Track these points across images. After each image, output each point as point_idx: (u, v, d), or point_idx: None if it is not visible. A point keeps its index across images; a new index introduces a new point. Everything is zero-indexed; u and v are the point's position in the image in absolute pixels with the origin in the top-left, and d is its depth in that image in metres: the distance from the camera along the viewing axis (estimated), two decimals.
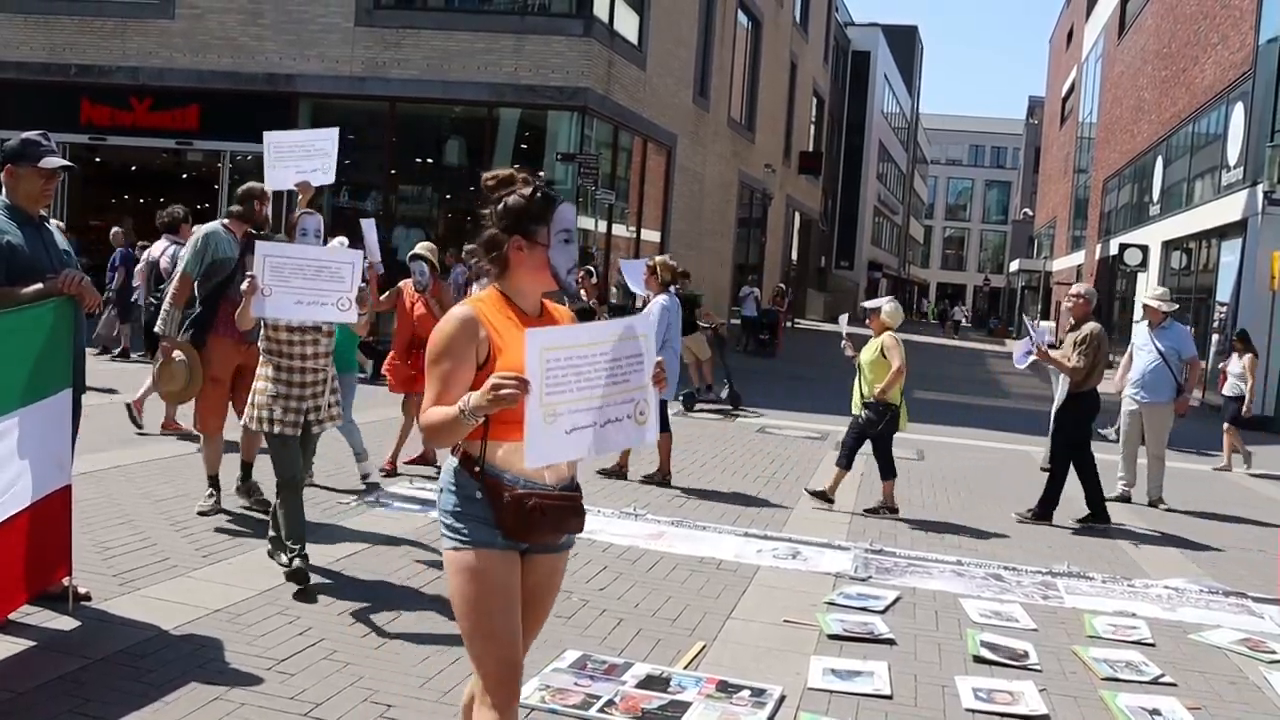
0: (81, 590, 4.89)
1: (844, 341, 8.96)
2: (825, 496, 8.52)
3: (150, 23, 20.59)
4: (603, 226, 21.68)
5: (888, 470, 8.47)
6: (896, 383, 8.28)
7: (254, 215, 6.63)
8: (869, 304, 8.83)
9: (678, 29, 24.47)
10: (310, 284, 5.26)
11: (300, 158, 6.77)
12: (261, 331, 5.49)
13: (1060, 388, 8.85)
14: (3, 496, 4.18)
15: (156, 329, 6.33)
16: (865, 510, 8.45)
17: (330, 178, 6.90)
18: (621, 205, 22.50)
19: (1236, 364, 13.03)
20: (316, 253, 5.44)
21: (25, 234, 4.55)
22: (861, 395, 8.48)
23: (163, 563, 5.62)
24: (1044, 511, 8.67)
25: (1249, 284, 18.93)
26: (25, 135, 4.63)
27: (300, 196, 6.79)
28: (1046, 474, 8.93)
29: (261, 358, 5.48)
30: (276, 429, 5.41)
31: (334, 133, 6.83)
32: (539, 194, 3.06)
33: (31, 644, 4.38)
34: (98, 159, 21.14)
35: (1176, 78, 26.49)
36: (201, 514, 6.52)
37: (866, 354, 8.49)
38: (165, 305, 6.41)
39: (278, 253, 5.32)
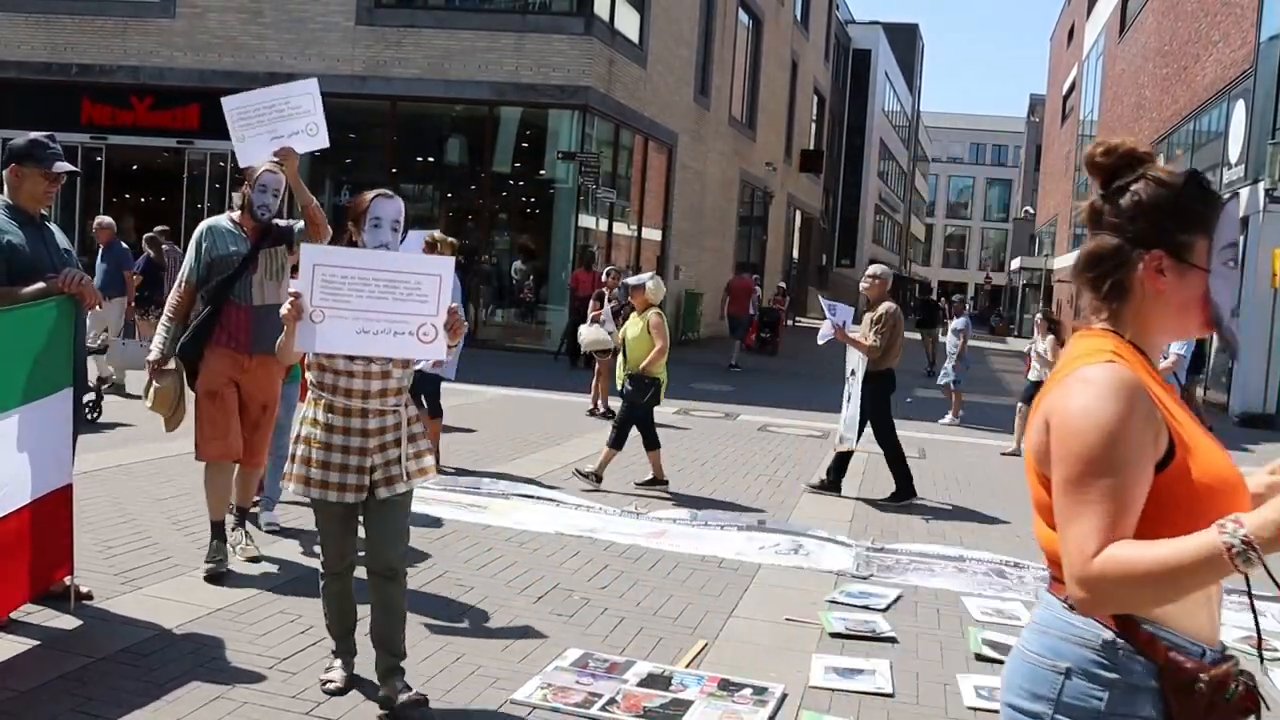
0: (83, 589, 4.89)
1: (608, 319, 9.04)
2: (596, 476, 8.45)
3: (151, 22, 20.61)
4: (604, 225, 21.68)
5: (619, 441, 8.48)
6: (659, 362, 8.39)
7: (253, 208, 5.58)
8: (631, 280, 8.81)
9: (678, 28, 24.47)
10: (379, 305, 3.74)
11: (275, 120, 5.36)
12: (308, 356, 4.05)
13: (858, 367, 8.91)
14: (1, 494, 4.19)
15: (151, 347, 5.56)
16: (637, 484, 8.48)
17: (323, 139, 5.43)
18: (623, 204, 22.51)
19: (1042, 345, 12.41)
20: (386, 261, 3.81)
21: (26, 234, 4.56)
22: (625, 370, 8.55)
23: (164, 561, 5.62)
24: (905, 491, 8.83)
25: (1250, 281, 18.91)
26: (32, 136, 4.64)
27: (284, 165, 5.45)
28: (847, 454, 9.06)
29: (309, 393, 4.07)
30: (316, 493, 3.99)
31: (312, 84, 5.43)
32: (1195, 183, 1.90)
33: (33, 643, 4.39)
34: (99, 158, 21.15)
35: (1177, 75, 26.47)
36: (211, 577, 5.32)
37: (631, 330, 8.52)
38: (161, 322, 5.57)
39: (331, 260, 3.77)
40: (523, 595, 5.57)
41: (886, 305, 8.81)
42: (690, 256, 26.66)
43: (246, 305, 5.47)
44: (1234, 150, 20.87)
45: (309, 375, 4.06)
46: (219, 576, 5.32)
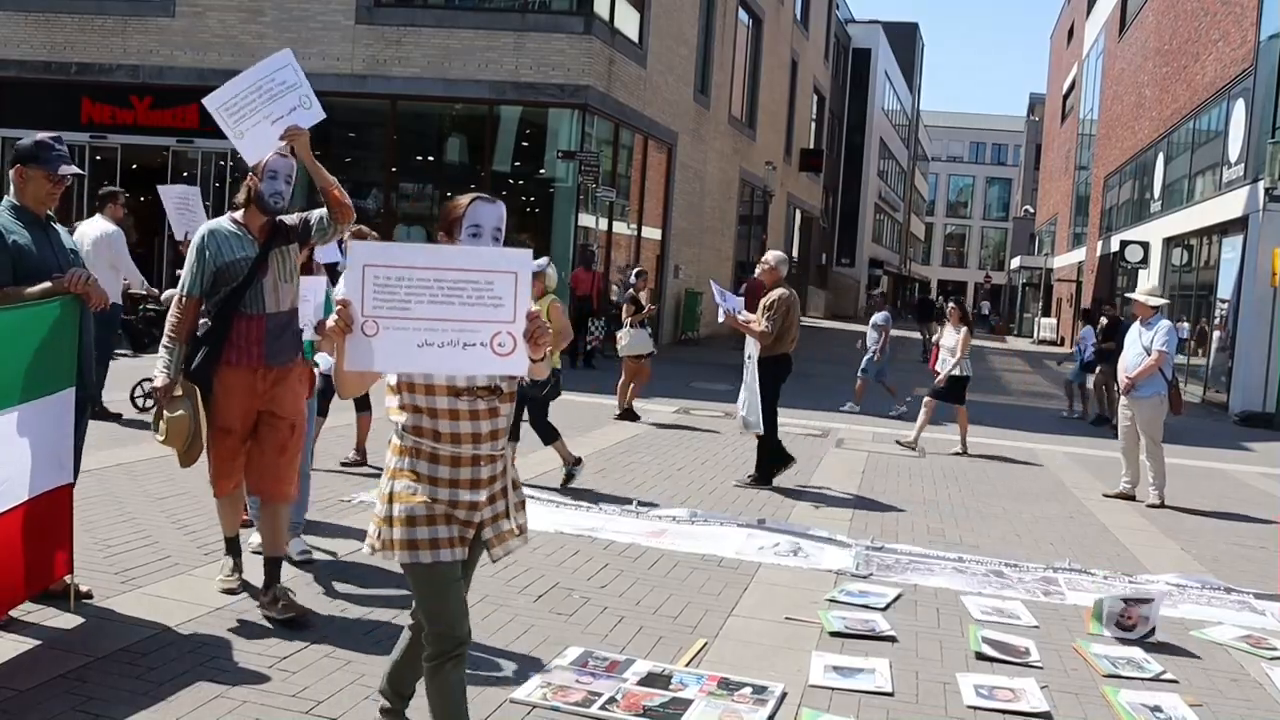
0: (83, 588, 4.90)
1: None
2: (567, 473, 8.35)
3: (151, 21, 20.60)
4: (604, 224, 21.68)
5: (550, 434, 8.31)
6: (560, 347, 8.29)
7: (262, 199, 4.94)
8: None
9: (678, 27, 24.46)
10: (443, 311, 3.08)
11: (267, 102, 4.97)
12: (397, 393, 3.33)
13: (754, 352, 8.97)
14: None
15: (155, 373, 4.87)
16: (561, 486, 8.29)
17: (319, 110, 5.13)
18: (623, 203, 22.50)
19: (951, 337, 11.98)
20: (450, 258, 3.12)
21: (33, 234, 4.58)
22: None
23: (164, 560, 5.62)
24: (764, 478, 8.97)
25: (1250, 280, 18.92)
26: (39, 138, 4.65)
27: (292, 148, 4.95)
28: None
29: (395, 438, 3.36)
30: (428, 555, 3.26)
31: (287, 55, 5.08)
32: None
33: (34, 642, 4.39)
34: (99, 157, 21.15)
35: (1177, 74, 26.47)
36: (227, 592, 5.14)
37: None
38: (163, 341, 4.87)
39: (385, 260, 3.08)
40: (522, 594, 5.57)
41: (779, 291, 8.91)
42: (690, 255, 26.66)
43: (259, 315, 4.86)
44: (1234, 149, 20.87)
45: (397, 418, 3.33)
46: (232, 593, 5.12)
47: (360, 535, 6.39)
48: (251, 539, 5.68)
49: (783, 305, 8.80)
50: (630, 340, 12.64)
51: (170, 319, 4.85)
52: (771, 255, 9.15)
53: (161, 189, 7.27)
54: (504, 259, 3.14)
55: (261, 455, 5.00)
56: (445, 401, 3.26)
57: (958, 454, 11.77)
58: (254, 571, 5.49)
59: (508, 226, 3.42)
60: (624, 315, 13.25)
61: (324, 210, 4.98)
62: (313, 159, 4.96)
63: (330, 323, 3.04)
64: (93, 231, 9.34)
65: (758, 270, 9.19)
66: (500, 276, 3.11)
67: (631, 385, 12.63)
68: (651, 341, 12.71)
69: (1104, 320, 15.94)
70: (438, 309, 3.09)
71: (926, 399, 12.12)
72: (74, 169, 4.71)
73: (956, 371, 11.80)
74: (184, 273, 4.86)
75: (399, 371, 3.24)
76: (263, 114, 4.93)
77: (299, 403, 5.09)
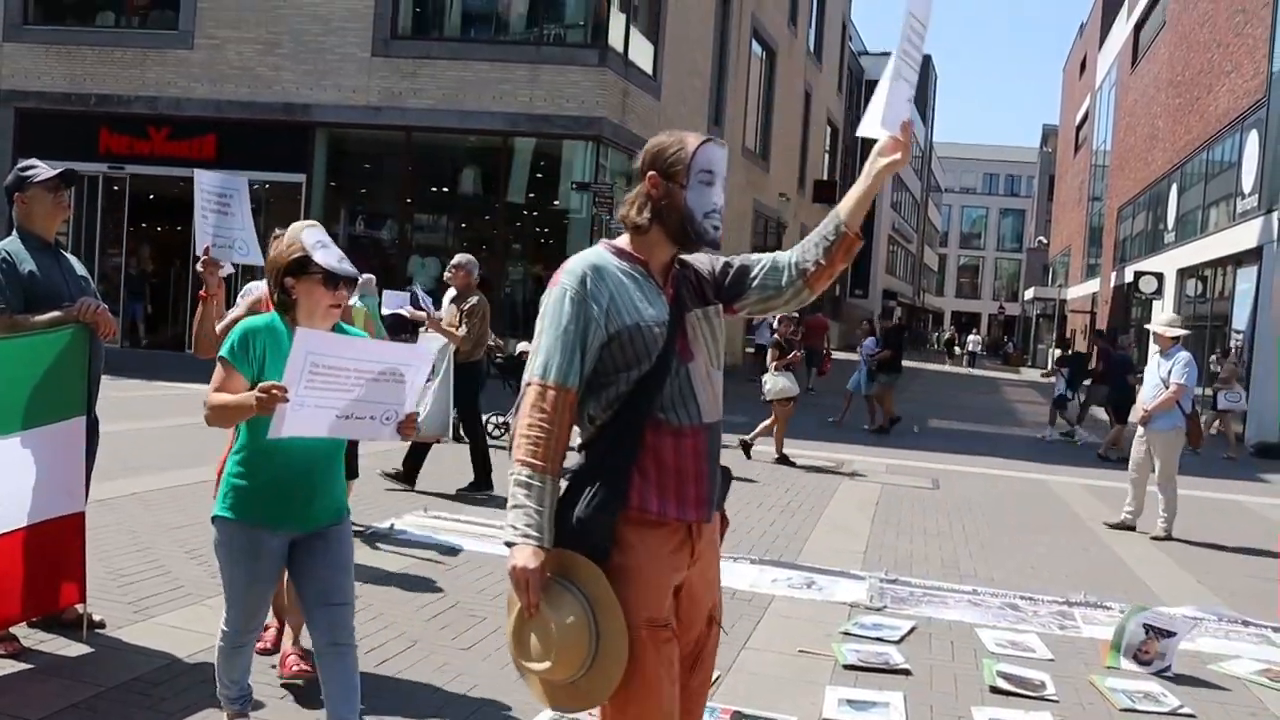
0: (96, 617, 4.90)
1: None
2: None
3: (169, 53, 20.83)
4: None
5: (351, 470, 8.12)
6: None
7: (691, 221, 2.77)
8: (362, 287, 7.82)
9: (692, 59, 24.61)
10: None
11: (910, 69, 2.97)
12: None
13: (440, 359, 8.81)
14: None
15: (506, 534, 2.62)
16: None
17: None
18: None
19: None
20: None
21: (44, 262, 4.61)
22: None
23: (176, 590, 5.63)
24: (483, 483, 9.01)
25: (1265, 311, 18.86)
26: (17, 166, 4.80)
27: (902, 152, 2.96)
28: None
29: None
30: None
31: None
32: None
33: (45, 671, 4.39)
34: (115, 188, 21.33)
35: (1190, 105, 26.50)
36: None
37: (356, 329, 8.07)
38: (516, 475, 2.63)
39: None
40: None
41: (477, 296, 8.99)
42: None
43: (692, 426, 2.73)
44: (1247, 180, 20.86)
45: None
46: None
47: (367, 559, 6.37)
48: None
49: (480, 310, 8.98)
50: (775, 384, 12.54)
51: (524, 429, 2.64)
52: (461, 258, 9.11)
53: (199, 174, 5.19)
54: None
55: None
56: None
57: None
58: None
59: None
60: (769, 359, 13.11)
61: (787, 258, 2.91)
62: (882, 181, 2.97)
63: None
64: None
65: (447, 274, 9.10)
66: None
67: (778, 430, 12.55)
68: (796, 384, 12.78)
69: (883, 330, 17.53)
70: None
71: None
72: (53, 172, 4.70)
73: None
74: (539, 345, 2.69)
75: None
76: (907, 71, 2.92)
77: (718, 576, 2.95)
